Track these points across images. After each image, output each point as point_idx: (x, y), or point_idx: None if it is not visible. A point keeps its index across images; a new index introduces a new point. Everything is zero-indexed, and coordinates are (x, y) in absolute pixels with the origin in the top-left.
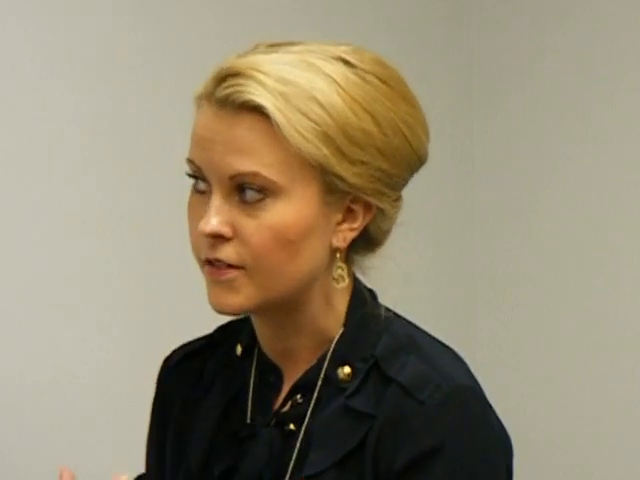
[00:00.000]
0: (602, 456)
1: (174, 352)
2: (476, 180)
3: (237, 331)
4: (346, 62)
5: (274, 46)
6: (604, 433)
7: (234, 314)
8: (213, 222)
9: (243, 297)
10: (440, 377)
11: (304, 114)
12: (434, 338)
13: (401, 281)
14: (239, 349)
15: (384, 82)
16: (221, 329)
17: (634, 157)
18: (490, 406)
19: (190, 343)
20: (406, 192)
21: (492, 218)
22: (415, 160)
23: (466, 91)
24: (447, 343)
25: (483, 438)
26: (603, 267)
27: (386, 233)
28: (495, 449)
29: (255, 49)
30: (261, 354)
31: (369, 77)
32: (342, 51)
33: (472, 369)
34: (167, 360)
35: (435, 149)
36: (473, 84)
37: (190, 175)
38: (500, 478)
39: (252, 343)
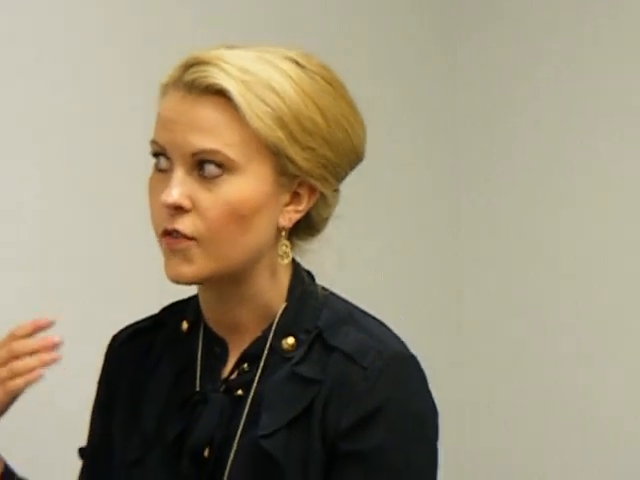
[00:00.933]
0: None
1: (121, 331)
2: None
3: (182, 310)
4: (297, 63)
5: (233, 46)
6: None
7: (188, 283)
8: (174, 194)
9: (196, 267)
10: (380, 345)
11: (262, 100)
12: (369, 314)
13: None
14: (185, 325)
15: (329, 83)
16: (166, 309)
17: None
18: (424, 374)
19: (136, 322)
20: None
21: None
22: (354, 155)
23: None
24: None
25: (420, 400)
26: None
27: (325, 220)
28: (430, 411)
29: (216, 48)
30: (207, 329)
31: (317, 77)
32: (293, 54)
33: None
34: (114, 339)
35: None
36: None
37: (154, 154)
38: (434, 437)
39: (197, 319)
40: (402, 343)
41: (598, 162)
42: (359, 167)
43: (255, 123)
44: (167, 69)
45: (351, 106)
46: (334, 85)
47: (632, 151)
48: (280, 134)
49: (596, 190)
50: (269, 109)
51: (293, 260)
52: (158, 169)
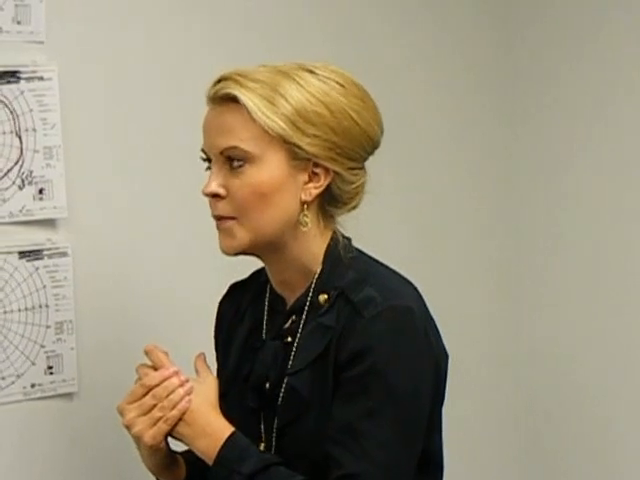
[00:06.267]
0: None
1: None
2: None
3: (260, 275)
4: (311, 71)
5: (266, 64)
6: None
7: (233, 254)
8: (212, 185)
9: (237, 240)
10: (382, 298)
11: (269, 101)
12: (393, 271)
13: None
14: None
15: (340, 84)
16: (252, 275)
17: None
18: (429, 326)
19: (233, 283)
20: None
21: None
22: (366, 139)
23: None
24: None
25: (406, 345)
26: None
27: (348, 194)
28: (418, 357)
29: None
30: (272, 290)
31: (327, 80)
32: (311, 65)
33: None
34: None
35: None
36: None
37: (202, 159)
38: (417, 380)
39: (266, 283)
40: (410, 297)
41: None
42: None
43: (261, 120)
44: None
45: (362, 99)
46: (345, 85)
47: None
48: (284, 126)
49: None
50: (274, 108)
51: (333, 229)
52: (207, 168)
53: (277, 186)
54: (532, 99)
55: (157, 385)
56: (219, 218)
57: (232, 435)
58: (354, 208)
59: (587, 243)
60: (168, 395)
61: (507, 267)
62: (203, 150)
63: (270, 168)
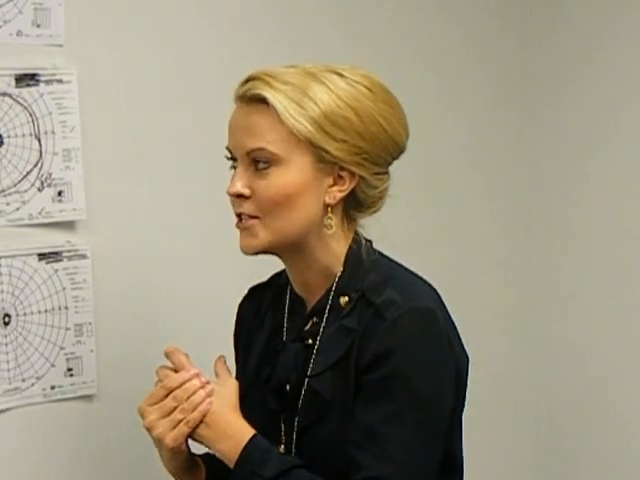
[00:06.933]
0: None
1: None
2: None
3: (281, 277)
4: (340, 74)
5: (294, 65)
6: None
7: (253, 253)
8: (237, 186)
9: (259, 240)
10: (403, 300)
11: (297, 104)
12: (413, 274)
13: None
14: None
15: (368, 89)
16: (272, 277)
17: None
18: (449, 328)
19: (254, 285)
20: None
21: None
22: (392, 145)
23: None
24: None
25: (429, 347)
26: None
27: (371, 198)
28: (440, 359)
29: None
30: (292, 291)
31: (356, 85)
32: (340, 68)
33: None
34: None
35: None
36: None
37: (227, 157)
38: (439, 383)
39: (287, 285)
40: (430, 299)
41: None
42: None
43: (289, 122)
44: None
45: (390, 105)
46: (373, 90)
47: None
48: (312, 129)
49: None
50: (303, 110)
51: (355, 231)
52: (232, 167)
53: (302, 188)
54: (548, 100)
55: (178, 387)
56: (242, 215)
57: (253, 437)
58: (376, 212)
59: (602, 243)
60: (189, 397)
61: (523, 267)
62: (227, 148)
63: (296, 170)
